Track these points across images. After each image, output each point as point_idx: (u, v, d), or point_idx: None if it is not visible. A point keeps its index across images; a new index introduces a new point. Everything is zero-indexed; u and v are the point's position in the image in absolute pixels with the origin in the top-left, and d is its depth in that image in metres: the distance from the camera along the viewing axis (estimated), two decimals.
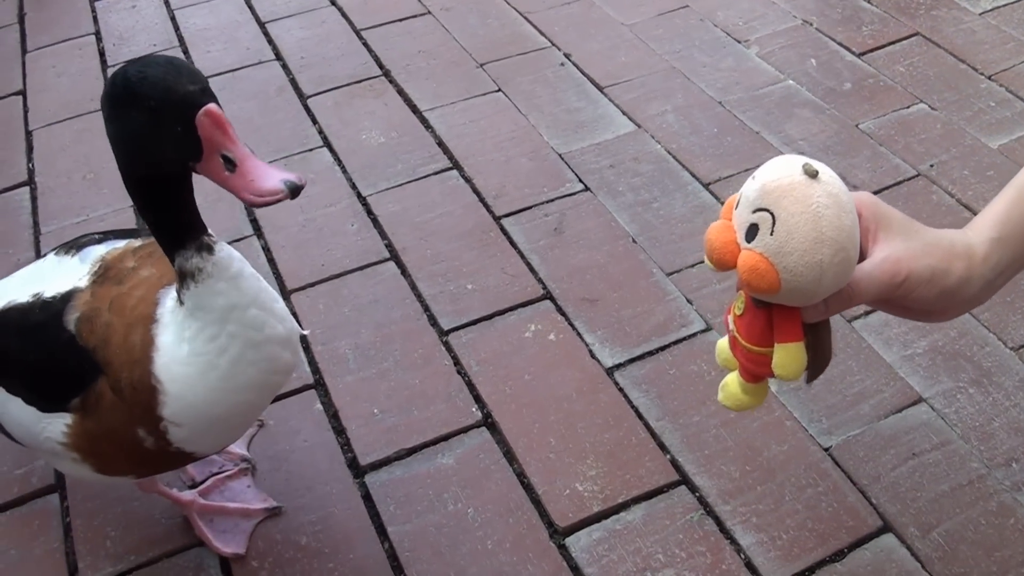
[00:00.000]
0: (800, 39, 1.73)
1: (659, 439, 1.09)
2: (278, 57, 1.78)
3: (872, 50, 1.70)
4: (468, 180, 1.46)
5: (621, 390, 1.15)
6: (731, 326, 0.69)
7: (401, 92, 1.66)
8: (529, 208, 1.40)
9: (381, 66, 1.73)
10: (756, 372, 0.69)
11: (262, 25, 1.87)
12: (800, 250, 0.58)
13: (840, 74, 1.64)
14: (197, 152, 0.69)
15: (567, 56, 1.72)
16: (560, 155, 1.50)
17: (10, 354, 0.87)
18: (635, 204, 1.40)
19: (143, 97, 0.68)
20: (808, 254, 0.58)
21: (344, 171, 1.50)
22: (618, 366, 1.17)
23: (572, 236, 1.35)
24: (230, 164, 0.69)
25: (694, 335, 1.21)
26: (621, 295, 1.26)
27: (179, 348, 0.80)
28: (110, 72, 1.76)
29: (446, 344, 1.21)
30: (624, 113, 1.58)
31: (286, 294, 1.29)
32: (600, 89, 1.63)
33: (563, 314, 1.24)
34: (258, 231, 1.40)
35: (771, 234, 0.58)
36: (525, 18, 1.83)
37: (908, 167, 1.44)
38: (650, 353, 1.19)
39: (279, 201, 0.69)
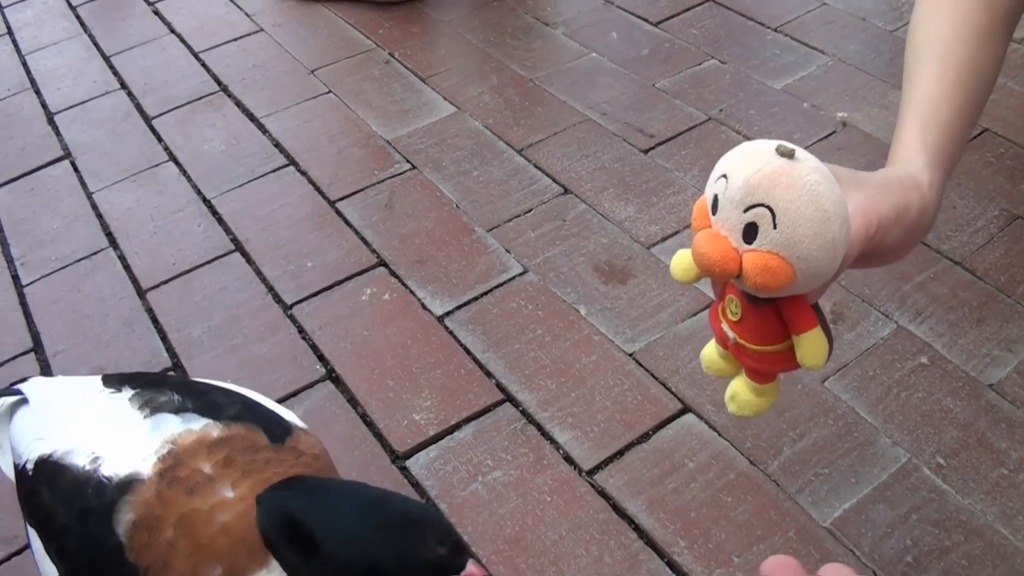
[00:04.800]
0: (603, 17, 1.90)
1: (485, 368, 1.22)
2: (124, 86, 1.87)
3: (668, 18, 1.88)
4: (304, 173, 1.58)
5: (451, 333, 1.28)
6: (731, 335, 0.65)
7: (239, 104, 1.77)
8: (361, 190, 1.53)
9: (219, 83, 1.84)
10: (771, 371, 0.66)
11: (107, 59, 1.96)
12: (810, 234, 0.54)
13: (639, 43, 1.81)
14: None
15: (391, 54, 1.86)
16: (388, 141, 1.63)
17: (54, 525, 0.72)
18: (457, 175, 1.54)
19: None
20: (819, 236, 0.54)
21: (189, 180, 1.60)
22: (447, 313, 1.30)
23: (401, 209, 1.48)
24: None
25: (512, 278, 1.34)
26: (447, 253, 1.40)
27: None
28: None
29: (291, 316, 1.33)
30: (445, 99, 1.72)
31: (141, 293, 1.39)
32: (423, 80, 1.78)
33: (396, 276, 1.37)
34: (113, 243, 1.49)
35: (774, 228, 0.54)
36: (351, 25, 1.96)
37: (700, 114, 1.62)
38: (475, 299, 1.32)
39: None
